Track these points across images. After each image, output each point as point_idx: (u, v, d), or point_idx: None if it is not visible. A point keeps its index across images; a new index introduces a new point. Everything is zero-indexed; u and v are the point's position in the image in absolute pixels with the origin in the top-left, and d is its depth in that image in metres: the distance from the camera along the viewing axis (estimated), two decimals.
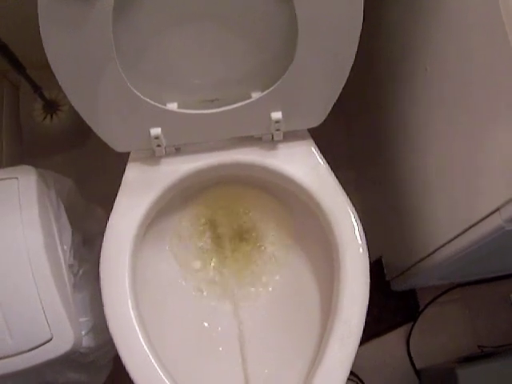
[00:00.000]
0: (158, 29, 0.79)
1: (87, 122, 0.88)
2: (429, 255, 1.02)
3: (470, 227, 0.83)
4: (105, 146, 0.94)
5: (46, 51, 0.76)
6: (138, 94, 0.84)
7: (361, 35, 0.80)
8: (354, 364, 0.83)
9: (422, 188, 1.03)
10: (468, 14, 0.76)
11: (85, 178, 1.23)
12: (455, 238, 0.89)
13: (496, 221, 0.75)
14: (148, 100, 0.85)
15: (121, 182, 0.95)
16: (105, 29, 0.74)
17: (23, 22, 1.18)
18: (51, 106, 1.46)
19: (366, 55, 0.89)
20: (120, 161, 0.97)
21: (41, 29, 0.73)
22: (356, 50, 0.82)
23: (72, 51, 0.76)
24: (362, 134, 1.40)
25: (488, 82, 0.74)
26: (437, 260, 0.99)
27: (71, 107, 0.86)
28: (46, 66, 0.79)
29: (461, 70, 0.81)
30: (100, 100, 0.85)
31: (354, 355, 0.83)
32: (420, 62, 0.93)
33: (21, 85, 1.52)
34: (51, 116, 1.46)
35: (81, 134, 1.44)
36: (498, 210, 0.74)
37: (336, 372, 0.82)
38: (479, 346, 1.39)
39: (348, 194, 0.94)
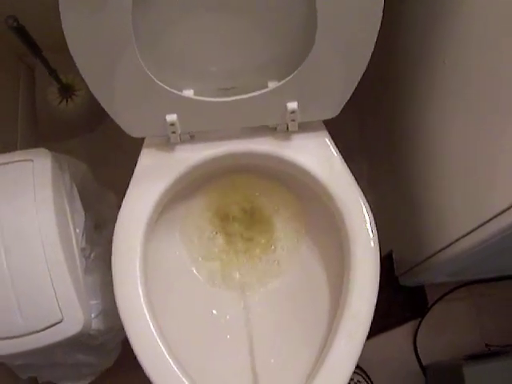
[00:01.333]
0: (177, 15, 0.79)
1: (104, 106, 0.89)
2: (440, 251, 1.01)
3: (484, 223, 0.82)
4: (119, 130, 0.94)
5: (65, 35, 0.76)
6: (155, 79, 0.84)
7: (380, 26, 0.80)
8: (360, 357, 0.83)
9: (436, 183, 1.02)
10: (488, 4, 0.75)
11: (98, 163, 1.24)
12: (468, 234, 0.88)
13: (511, 217, 0.74)
14: (165, 86, 0.85)
15: (134, 168, 0.96)
16: (124, 13, 0.74)
17: (41, 4, 1.18)
18: (67, 90, 1.46)
19: (384, 47, 0.89)
20: (134, 146, 0.97)
21: (61, 12, 0.73)
22: (375, 40, 0.81)
23: (91, 35, 0.77)
24: (377, 127, 1.39)
25: (506, 76, 0.73)
26: (447, 256, 0.98)
27: (87, 91, 0.87)
28: (63, 50, 0.79)
29: (479, 63, 0.80)
30: (117, 85, 0.85)
31: (360, 349, 0.83)
32: (438, 54, 0.93)
33: (37, 68, 1.52)
34: (67, 100, 1.47)
35: (96, 118, 1.44)
36: None
37: (342, 365, 0.82)
38: (486, 345, 1.38)
39: (360, 187, 0.94)
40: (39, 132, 1.52)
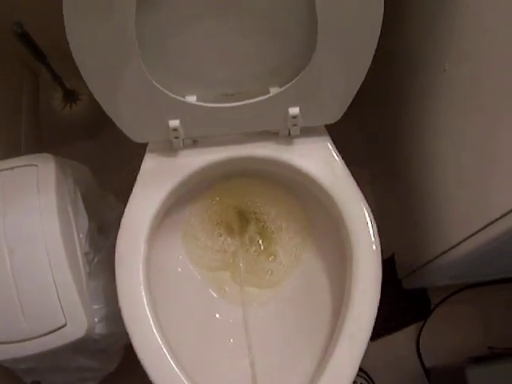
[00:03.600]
0: (180, 22, 0.80)
1: (107, 112, 0.89)
2: (442, 254, 1.01)
3: (486, 226, 0.82)
4: (122, 135, 0.94)
5: (69, 41, 0.76)
6: (158, 86, 0.85)
7: (380, 32, 0.80)
8: (363, 360, 0.83)
9: (437, 186, 1.02)
10: (488, 13, 0.76)
11: (102, 167, 1.24)
12: (469, 237, 0.88)
13: None
14: (168, 92, 0.86)
15: (137, 173, 0.96)
16: (128, 20, 0.74)
17: (45, 11, 1.18)
18: (70, 95, 1.47)
19: (385, 53, 0.89)
20: (137, 151, 0.98)
21: (65, 19, 0.74)
22: (376, 46, 0.82)
23: (95, 42, 0.77)
24: (378, 131, 1.39)
25: (507, 82, 0.73)
26: (450, 259, 0.98)
27: (90, 96, 0.87)
28: (66, 55, 0.80)
29: (480, 71, 0.81)
30: (120, 91, 0.85)
31: (363, 351, 0.84)
32: (438, 61, 0.93)
33: (41, 73, 1.53)
34: (70, 105, 1.47)
35: (99, 123, 1.44)
36: None
37: (345, 368, 0.83)
38: (489, 347, 1.38)
39: (362, 190, 0.94)
40: (43, 137, 1.52)
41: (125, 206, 0.94)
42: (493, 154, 0.80)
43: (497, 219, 0.79)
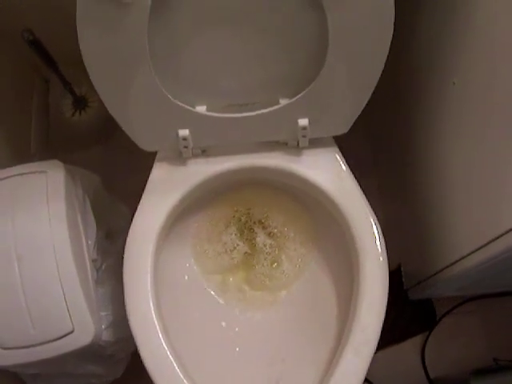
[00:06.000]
0: (191, 32, 0.80)
1: (117, 120, 0.90)
2: (448, 266, 1.01)
3: (493, 240, 0.82)
4: (132, 142, 0.95)
5: (81, 50, 0.77)
6: (169, 96, 0.85)
7: (390, 45, 0.81)
8: (368, 371, 0.83)
9: (445, 199, 1.02)
10: (498, 27, 0.76)
11: (110, 174, 1.24)
12: (476, 250, 0.88)
13: None
14: (178, 102, 0.87)
15: (146, 180, 0.97)
16: (140, 31, 0.75)
17: (55, 18, 1.19)
18: (80, 102, 1.48)
19: (394, 65, 0.89)
20: (146, 158, 0.98)
21: (78, 28, 0.75)
22: (385, 59, 0.83)
23: (107, 51, 0.78)
24: (387, 143, 1.40)
25: None
26: (456, 271, 0.98)
27: (100, 103, 0.88)
28: (77, 62, 0.81)
29: (488, 85, 0.81)
30: (131, 100, 0.86)
31: (369, 363, 0.83)
32: (448, 75, 0.93)
33: (51, 80, 1.54)
34: (80, 112, 1.48)
35: (108, 130, 1.46)
36: None
37: (350, 379, 0.82)
38: (494, 359, 1.38)
39: (369, 201, 0.94)
40: (52, 143, 1.53)
41: (133, 213, 0.94)
42: (502, 167, 0.80)
43: (505, 232, 0.78)
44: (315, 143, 0.97)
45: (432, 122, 1.04)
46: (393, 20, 0.77)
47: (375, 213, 0.94)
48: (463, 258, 0.94)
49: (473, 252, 0.90)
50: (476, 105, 0.86)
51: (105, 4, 0.71)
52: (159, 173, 0.97)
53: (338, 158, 0.98)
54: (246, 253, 1.08)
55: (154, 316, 0.86)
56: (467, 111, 0.89)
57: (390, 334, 1.36)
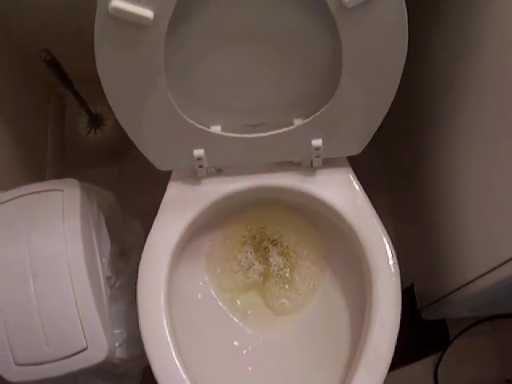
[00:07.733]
0: (206, 53, 0.81)
1: (132, 139, 0.91)
2: (462, 287, 1.01)
3: (507, 261, 0.82)
4: (146, 161, 0.96)
5: (98, 70, 0.78)
6: (184, 116, 0.86)
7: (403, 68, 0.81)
8: None
9: (459, 219, 1.02)
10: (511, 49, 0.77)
11: (125, 192, 1.26)
12: (490, 271, 0.88)
13: None
14: (193, 122, 0.88)
15: (161, 198, 0.98)
16: (157, 52, 0.76)
17: (71, 37, 1.21)
18: (96, 120, 1.50)
19: (407, 86, 0.90)
20: (160, 177, 0.99)
21: (95, 49, 0.76)
22: (399, 79, 0.83)
23: (123, 71, 0.79)
24: (400, 163, 1.40)
25: None
26: (470, 292, 0.98)
27: (115, 122, 0.88)
28: (92, 81, 0.82)
29: (502, 105, 0.81)
30: (146, 120, 0.87)
31: (382, 383, 0.83)
32: (460, 95, 0.94)
33: (67, 98, 1.55)
34: (95, 130, 1.50)
35: (124, 148, 1.47)
36: None
37: None
38: (507, 381, 1.37)
39: (382, 220, 0.95)
40: (67, 161, 1.55)
41: (147, 231, 0.95)
42: None
43: None
44: (329, 163, 0.98)
45: (445, 142, 1.04)
46: (406, 42, 0.77)
47: (387, 231, 0.94)
48: (477, 278, 0.94)
49: (487, 273, 0.90)
50: (488, 124, 0.86)
51: (123, 26, 0.72)
52: (174, 191, 0.98)
53: (352, 177, 0.98)
54: (260, 272, 1.08)
55: (167, 333, 0.86)
56: (480, 131, 0.89)
57: (403, 354, 1.35)
